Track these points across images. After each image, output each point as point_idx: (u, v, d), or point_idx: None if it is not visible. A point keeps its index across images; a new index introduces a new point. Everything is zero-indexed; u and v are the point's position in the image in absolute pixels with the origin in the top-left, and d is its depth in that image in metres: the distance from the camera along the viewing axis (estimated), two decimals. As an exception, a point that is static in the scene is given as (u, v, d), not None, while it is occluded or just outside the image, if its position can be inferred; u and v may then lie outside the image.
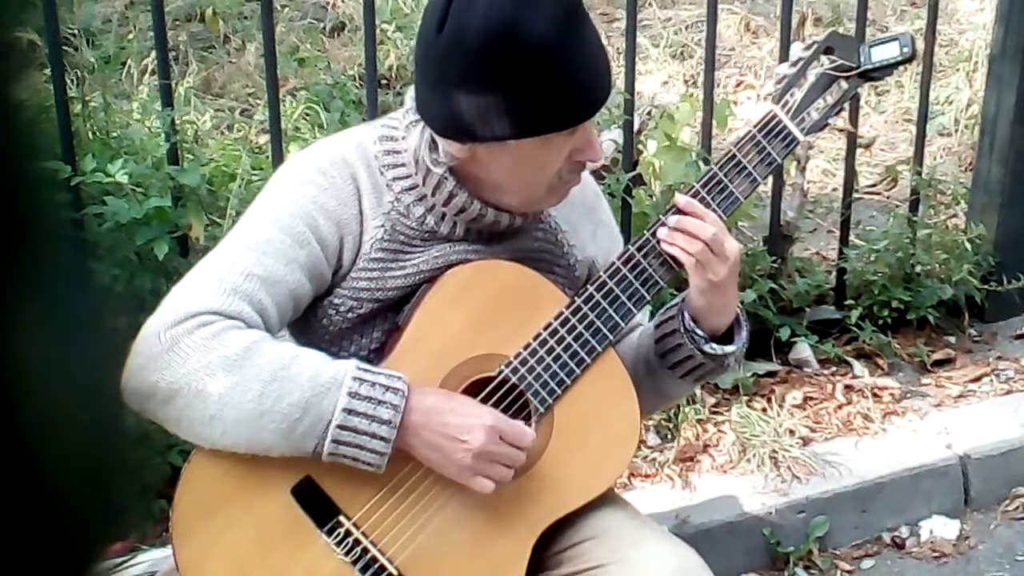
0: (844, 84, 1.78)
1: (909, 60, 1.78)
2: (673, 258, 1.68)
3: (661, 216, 1.71)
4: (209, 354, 1.50)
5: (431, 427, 1.55)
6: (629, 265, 1.70)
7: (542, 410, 1.67)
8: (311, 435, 1.52)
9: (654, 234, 1.70)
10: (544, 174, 1.62)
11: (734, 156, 1.73)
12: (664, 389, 1.82)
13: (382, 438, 1.53)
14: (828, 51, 1.78)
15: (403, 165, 1.67)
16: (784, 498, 2.58)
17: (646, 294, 1.70)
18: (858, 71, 1.78)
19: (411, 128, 1.65)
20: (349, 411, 1.52)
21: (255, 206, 1.66)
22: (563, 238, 1.79)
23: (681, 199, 1.70)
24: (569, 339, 1.67)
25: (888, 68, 1.79)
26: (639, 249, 1.70)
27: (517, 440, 1.59)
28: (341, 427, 1.52)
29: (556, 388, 1.67)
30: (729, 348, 1.74)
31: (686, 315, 1.72)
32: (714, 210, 1.70)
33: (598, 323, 1.68)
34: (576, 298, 1.68)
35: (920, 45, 3.26)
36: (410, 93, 1.66)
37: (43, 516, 0.47)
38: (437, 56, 1.55)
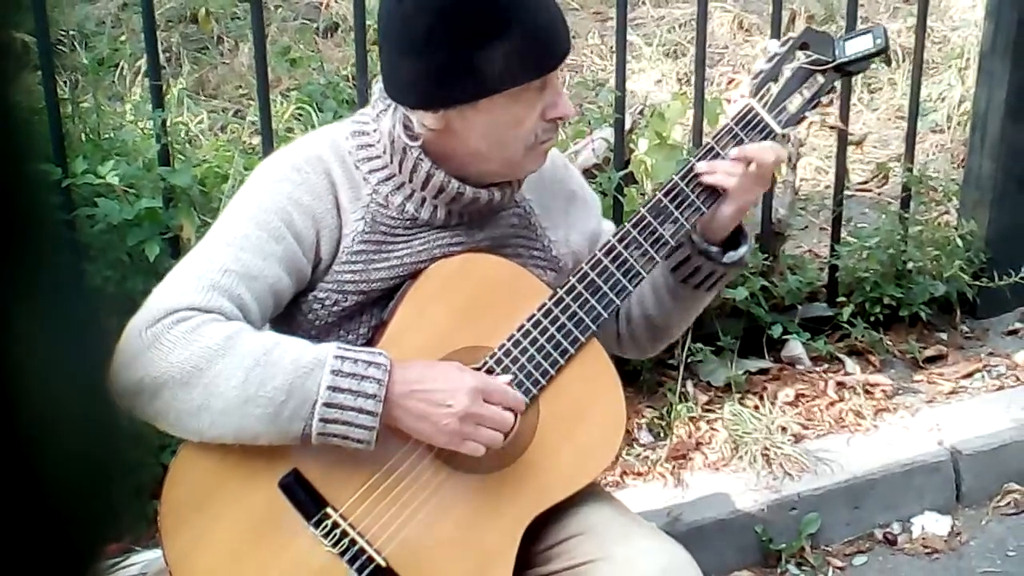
0: (820, 78, 1.81)
1: (883, 52, 1.81)
2: (714, 187, 1.73)
3: (642, 208, 1.74)
4: (190, 346, 1.52)
5: (416, 397, 1.57)
6: (611, 257, 1.72)
7: (527, 401, 1.68)
8: (298, 417, 1.53)
9: (635, 225, 1.73)
10: (519, 132, 1.64)
11: (712, 148, 1.76)
12: (695, 305, 1.90)
13: (369, 412, 1.54)
14: (804, 47, 1.81)
15: (378, 157, 1.69)
16: (776, 495, 2.58)
17: (628, 285, 1.72)
18: (833, 64, 1.81)
19: (381, 116, 1.68)
20: (334, 388, 1.53)
21: (231, 205, 1.68)
22: (536, 220, 1.81)
23: (702, 165, 1.75)
24: (552, 330, 1.69)
25: (862, 61, 1.82)
26: (620, 241, 1.73)
27: (502, 399, 1.61)
28: (327, 405, 1.53)
29: (541, 379, 1.68)
30: (743, 250, 1.82)
31: (696, 241, 1.79)
32: (693, 201, 1.74)
33: (580, 313, 1.69)
34: (559, 289, 1.71)
35: (911, 42, 3.27)
36: (376, 86, 1.70)
37: (43, 516, 0.48)
38: (401, 25, 1.59)
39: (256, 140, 3.45)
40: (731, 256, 1.81)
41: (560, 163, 1.90)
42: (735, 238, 1.82)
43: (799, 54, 1.81)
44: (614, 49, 2.98)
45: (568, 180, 1.88)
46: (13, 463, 0.47)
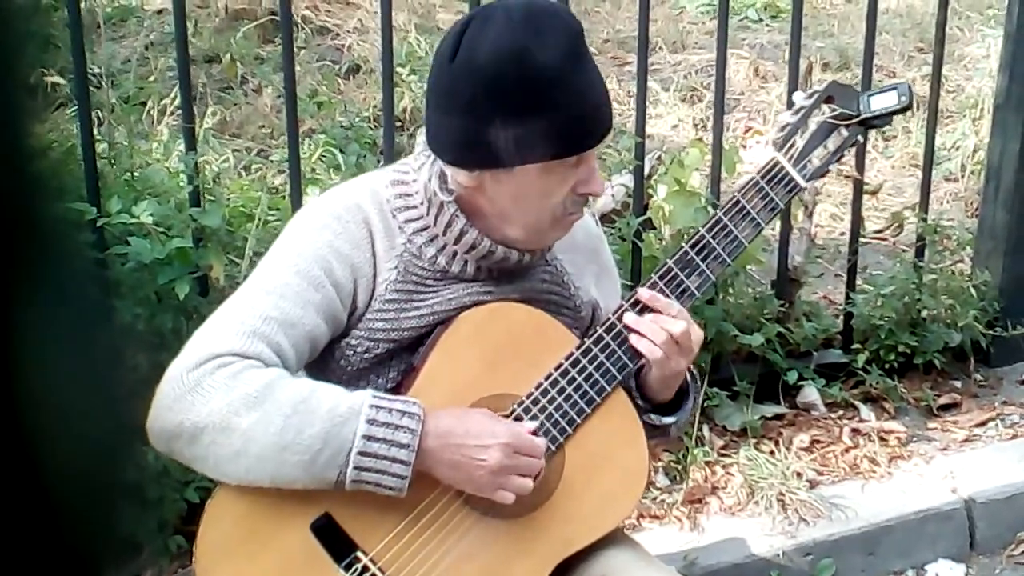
0: (844, 132, 1.84)
1: (907, 108, 1.84)
2: (637, 352, 1.72)
3: (668, 260, 1.77)
4: (231, 392, 1.55)
5: (449, 449, 1.61)
6: (637, 309, 1.75)
7: (553, 448, 1.71)
8: (333, 464, 1.57)
9: (661, 276, 1.76)
10: (547, 204, 1.67)
11: (738, 202, 1.80)
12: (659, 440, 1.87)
13: (402, 461, 1.58)
14: (829, 100, 1.84)
15: (414, 207, 1.72)
16: (791, 540, 2.60)
17: None
18: (858, 119, 1.83)
19: (422, 168, 1.71)
20: (368, 437, 1.57)
21: (273, 252, 1.71)
22: (569, 280, 1.84)
23: (644, 293, 1.74)
24: (579, 379, 1.72)
25: (887, 116, 1.85)
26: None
27: (531, 452, 1.65)
28: (362, 453, 1.57)
29: (567, 427, 1.72)
30: (668, 420, 1.80)
31: (632, 387, 1.78)
32: (719, 253, 1.77)
33: (607, 364, 1.73)
34: (586, 339, 1.74)
35: (926, 90, 3.31)
36: (420, 137, 1.73)
37: (52, 537, 0.49)
38: (449, 84, 1.62)
39: (280, 180, 3.50)
40: (651, 418, 1.79)
41: (595, 233, 1.94)
42: (679, 400, 1.81)
43: (824, 107, 1.84)
44: (632, 94, 3.02)
45: (600, 251, 1.93)
46: (27, 487, 0.48)
